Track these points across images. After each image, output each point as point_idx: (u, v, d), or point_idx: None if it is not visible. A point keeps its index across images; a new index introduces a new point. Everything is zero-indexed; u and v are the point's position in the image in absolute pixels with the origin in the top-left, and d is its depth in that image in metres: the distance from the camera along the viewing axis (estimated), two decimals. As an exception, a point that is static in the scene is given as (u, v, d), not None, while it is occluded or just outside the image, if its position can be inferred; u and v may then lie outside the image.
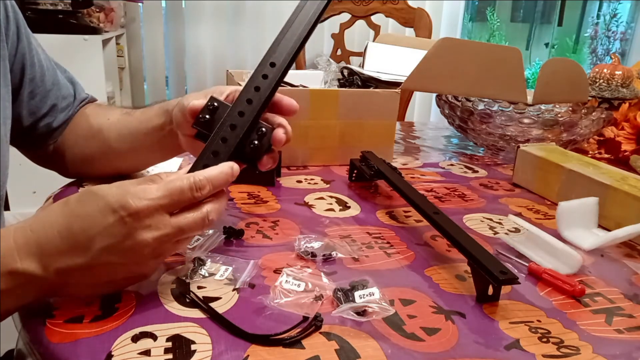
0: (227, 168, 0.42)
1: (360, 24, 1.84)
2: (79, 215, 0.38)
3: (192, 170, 0.42)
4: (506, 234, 0.60)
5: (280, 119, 0.48)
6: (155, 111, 0.58)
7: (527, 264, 0.52)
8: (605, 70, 1.05)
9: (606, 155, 0.97)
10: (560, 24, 2.82)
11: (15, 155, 0.65)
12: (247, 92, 0.46)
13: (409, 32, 1.80)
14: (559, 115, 0.89)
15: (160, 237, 0.38)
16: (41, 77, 0.60)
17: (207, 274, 0.46)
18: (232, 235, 0.54)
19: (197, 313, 0.40)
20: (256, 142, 0.45)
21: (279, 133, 0.46)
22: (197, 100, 0.47)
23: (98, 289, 0.40)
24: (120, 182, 0.39)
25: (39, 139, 0.63)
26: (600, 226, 0.63)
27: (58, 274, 0.37)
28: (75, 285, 0.39)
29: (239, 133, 0.45)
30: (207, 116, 0.46)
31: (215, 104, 0.46)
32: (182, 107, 0.49)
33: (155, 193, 0.38)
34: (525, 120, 0.87)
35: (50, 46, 0.67)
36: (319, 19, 0.50)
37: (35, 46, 0.60)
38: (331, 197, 0.69)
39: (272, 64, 0.47)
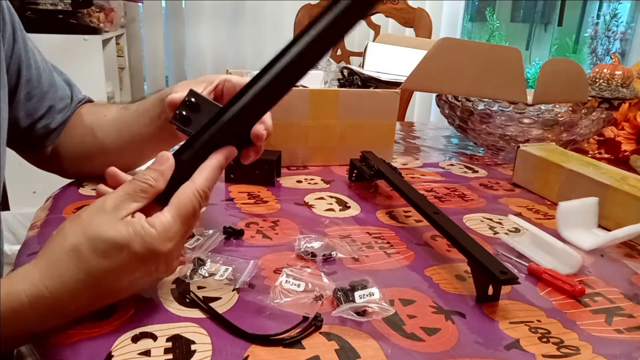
0: (218, 164, 0.42)
1: (360, 24, 1.84)
2: (103, 269, 0.36)
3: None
4: (506, 234, 0.60)
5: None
6: (150, 102, 0.58)
7: (527, 264, 0.52)
8: (605, 70, 1.05)
9: (606, 155, 0.97)
10: (560, 24, 2.82)
11: (15, 156, 0.65)
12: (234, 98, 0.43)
13: (409, 32, 1.80)
14: (559, 115, 0.89)
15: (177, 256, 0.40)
16: (38, 78, 0.60)
17: (207, 274, 0.46)
18: (232, 235, 0.54)
19: (197, 313, 0.40)
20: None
21: (259, 129, 0.44)
22: (177, 94, 0.46)
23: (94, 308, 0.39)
24: (129, 218, 0.37)
25: (36, 141, 0.63)
26: (600, 226, 0.63)
27: (68, 294, 0.36)
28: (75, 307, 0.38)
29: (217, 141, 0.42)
30: (184, 112, 0.43)
31: (193, 99, 0.43)
32: (164, 98, 0.49)
33: (175, 226, 0.37)
34: (525, 120, 0.87)
35: (50, 46, 0.67)
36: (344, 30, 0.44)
37: (31, 48, 0.60)
38: (331, 197, 0.69)
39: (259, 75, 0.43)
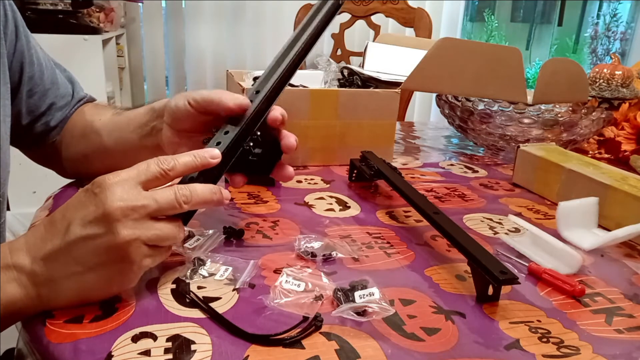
0: (214, 188, 0.43)
1: (360, 24, 1.84)
2: (60, 206, 0.40)
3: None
4: (506, 234, 0.60)
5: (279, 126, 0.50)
6: (142, 110, 0.58)
7: (527, 264, 0.52)
8: (605, 70, 1.05)
9: (606, 155, 0.97)
10: (560, 24, 2.82)
11: (15, 156, 0.65)
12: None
13: (409, 32, 1.80)
14: (559, 115, 0.89)
15: (130, 213, 0.38)
16: (40, 75, 0.60)
17: (207, 274, 0.46)
18: (232, 235, 0.54)
19: (197, 313, 0.40)
20: (256, 150, 0.47)
21: (290, 140, 0.49)
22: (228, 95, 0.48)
23: (82, 292, 0.39)
24: None
25: (37, 138, 0.63)
26: (600, 226, 0.63)
27: (44, 262, 0.38)
28: (61, 284, 0.38)
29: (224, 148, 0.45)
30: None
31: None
32: (191, 96, 0.50)
33: (129, 182, 0.39)
34: (525, 120, 0.87)
35: (50, 46, 0.67)
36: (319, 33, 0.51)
37: (34, 45, 0.60)
38: (331, 197, 0.69)
39: (258, 91, 0.48)
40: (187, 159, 0.42)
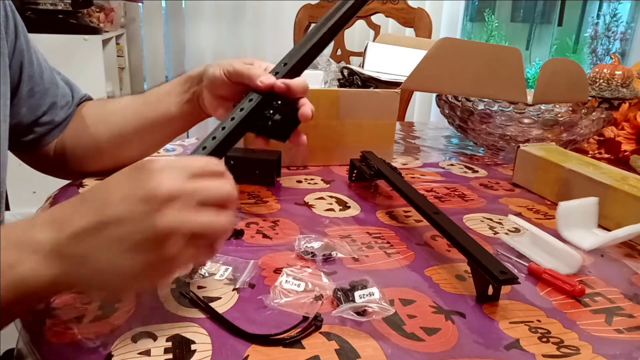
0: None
1: (360, 24, 1.84)
2: (94, 184, 0.38)
3: (194, 152, 0.45)
4: (506, 234, 0.60)
5: (300, 91, 0.51)
6: (177, 81, 0.62)
7: (527, 264, 0.52)
8: (605, 70, 1.05)
9: (606, 155, 0.97)
10: (560, 24, 2.82)
11: (15, 156, 0.65)
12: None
13: (409, 32, 1.80)
14: (559, 115, 0.89)
15: (176, 200, 0.34)
16: (40, 75, 0.61)
17: (207, 274, 0.46)
18: (232, 236, 0.54)
19: (197, 313, 0.40)
20: (276, 117, 0.49)
21: (306, 109, 0.50)
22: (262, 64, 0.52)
23: (109, 277, 0.35)
24: None
25: (40, 138, 0.63)
26: (600, 226, 0.63)
27: (73, 238, 0.33)
28: (89, 263, 0.34)
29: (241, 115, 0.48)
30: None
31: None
32: (225, 66, 0.54)
33: (176, 163, 0.36)
34: (525, 120, 0.87)
35: (50, 46, 0.68)
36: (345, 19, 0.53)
37: (33, 45, 0.60)
38: (331, 197, 0.69)
39: (285, 64, 0.51)
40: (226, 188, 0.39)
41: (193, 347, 0.36)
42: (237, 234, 0.54)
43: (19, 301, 0.34)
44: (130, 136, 0.63)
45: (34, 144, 0.64)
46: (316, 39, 0.51)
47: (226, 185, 0.37)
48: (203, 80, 0.58)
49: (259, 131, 0.50)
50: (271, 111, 0.50)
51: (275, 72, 0.51)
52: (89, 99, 0.69)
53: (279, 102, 0.50)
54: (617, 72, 1.04)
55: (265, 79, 0.49)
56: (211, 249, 0.37)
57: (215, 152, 0.46)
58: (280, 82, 0.49)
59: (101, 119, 0.64)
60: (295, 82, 0.50)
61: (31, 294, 0.34)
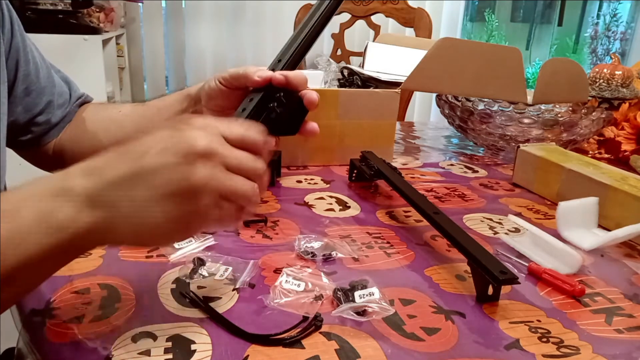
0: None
1: (360, 24, 1.84)
2: (132, 138, 0.37)
3: None
4: (506, 234, 0.60)
5: (300, 82, 0.50)
6: (175, 97, 0.60)
7: (527, 264, 0.52)
8: (605, 70, 1.05)
9: (606, 155, 0.97)
10: (560, 24, 2.82)
11: (15, 156, 0.65)
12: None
13: (409, 32, 1.80)
14: (559, 115, 0.89)
15: (212, 157, 0.35)
16: (36, 74, 0.61)
17: (207, 274, 0.46)
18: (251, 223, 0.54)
19: (197, 313, 0.40)
20: (280, 109, 0.48)
21: (311, 95, 0.49)
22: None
23: (142, 227, 0.35)
24: None
25: (37, 137, 0.63)
26: (600, 226, 0.63)
27: (108, 185, 0.34)
28: (123, 210, 0.34)
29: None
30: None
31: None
32: (219, 76, 0.52)
33: (214, 122, 0.38)
34: (525, 120, 0.87)
35: (50, 46, 0.67)
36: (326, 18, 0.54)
37: (29, 44, 0.60)
38: (331, 197, 0.69)
39: (280, 60, 0.51)
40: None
41: (193, 347, 0.36)
42: (259, 221, 0.54)
43: (59, 250, 0.33)
44: None
45: (32, 143, 0.64)
46: (307, 30, 0.51)
47: (258, 163, 0.38)
48: (201, 99, 0.56)
49: (266, 129, 0.50)
50: (275, 103, 0.49)
51: (271, 69, 0.50)
52: (88, 99, 0.69)
53: (281, 93, 0.49)
54: (617, 72, 1.04)
55: (262, 73, 0.49)
56: (238, 215, 0.38)
57: None
58: (278, 74, 0.48)
59: (101, 126, 0.63)
60: (293, 73, 0.49)
61: (69, 243, 0.34)
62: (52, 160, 0.66)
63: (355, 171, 0.74)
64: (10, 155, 0.60)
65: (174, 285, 0.44)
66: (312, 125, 0.51)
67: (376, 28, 1.82)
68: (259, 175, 0.38)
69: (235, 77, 0.52)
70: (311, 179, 0.75)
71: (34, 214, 0.33)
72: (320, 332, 0.39)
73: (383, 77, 0.89)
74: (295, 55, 0.51)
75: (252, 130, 0.39)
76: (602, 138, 0.98)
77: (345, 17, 1.79)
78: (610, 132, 0.96)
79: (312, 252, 0.51)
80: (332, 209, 0.64)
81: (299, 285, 0.44)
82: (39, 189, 0.34)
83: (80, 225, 0.33)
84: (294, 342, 0.37)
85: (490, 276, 0.43)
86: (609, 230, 0.61)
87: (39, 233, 0.32)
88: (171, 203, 0.34)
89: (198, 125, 0.37)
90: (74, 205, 0.33)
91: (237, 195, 0.37)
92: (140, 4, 2.15)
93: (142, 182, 0.34)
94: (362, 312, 0.41)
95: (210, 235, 0.53)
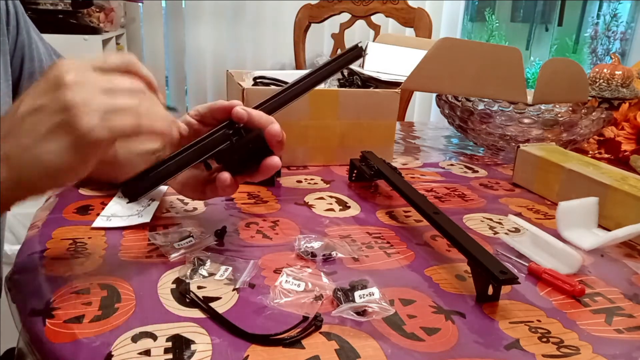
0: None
1: (360, 24, 1.84)
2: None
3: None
4: (506, 234, 0.60)
5: (266, 121, 0.48)
6: None
7: (527, 264, 0.52)
8: (605, 70, 1.05)
9: (606, 155, 0.97)
10: (560, 24, 2.82)
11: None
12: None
13: (409, 32, 1.80)
14: (559, 115, 0.89)
15: (81, 80, 0.37)
16: (40, 72, 0.61)
17: (207, 274, 0.46)
18: (221, 236, 0.53)
19: (197, 313, 0.40)
20: (234, 139, 0.47)
21: (274, 127, 0.47)
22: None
23: (42, 167, 0.37)
24: None
25: None
26: (600, 226, 0.63)
27: (2, 143, 0.37)
28: (18, 159, 0.37)
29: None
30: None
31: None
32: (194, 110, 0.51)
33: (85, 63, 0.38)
34: (525, 120, 0.88)
35: (50, 46, 0.67)
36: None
37: (36, 40, 0.60)
38: (331, 197, 0.69)
39: (258, 106, 0.51)
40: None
41: (193, 347, 0.36)
42: (219, 234, 0.53)
43: None
44: (124, 162, 0.61)
45: None
46: (296, 86, 0.52)
47: (134, 83, 0.39)
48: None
49: (222, 161, 0.47)
50: (231, 131, 0.47)
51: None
52: None
53: (242, 125, 0.47)
54: (617, 72, 1.04)
55: (228, 103, 0.47)
56: (135, 130, 0.38)
57: (164, 174, 0.46)
58: (240, 108, 0.47)
59: None
60: (257, 112, 0.47)
61: None
62: None
63: (355, 171, 0.74)
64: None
65: (174, 285, 0.44)
66: (272, 160, 0.48)
67: (376, 28, 1.82)
68: (138, 92, 0.39)
69: (201, 115, 0.50)
70: (311, 179, 0.76)
71: None
72: (320, 332, 0.39)
73: (383, 77, 0.89)
74: (273, 103, 0.51)
75: (120, 57, 0.40)
76: (602, 138, 0.98)
77: (345, 17, 1.78)
78: (610, 132, 0.96)
79: (312, 252, 0.51)
80: (332, 209, 0.64)
81: (299, 285, 0.44)
82: None
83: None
84: (294, 342, 0.37)
85: (490, 276, 0.43)
86: (609, 230, 0.61)
87: None
88: (59, 133, 0.36)
89: (67, 62, 0.37)
90: None
91: (120, 109, 0.37)
92: (140, 4, 2.15)
93: (22, 128, 0.36)
94: (362, 312, 0.41)
95: (210, 235, 0.53)
